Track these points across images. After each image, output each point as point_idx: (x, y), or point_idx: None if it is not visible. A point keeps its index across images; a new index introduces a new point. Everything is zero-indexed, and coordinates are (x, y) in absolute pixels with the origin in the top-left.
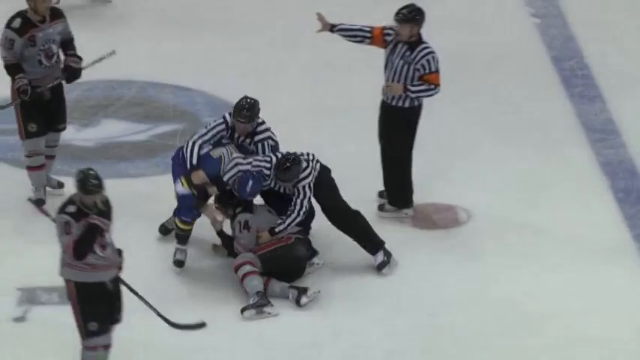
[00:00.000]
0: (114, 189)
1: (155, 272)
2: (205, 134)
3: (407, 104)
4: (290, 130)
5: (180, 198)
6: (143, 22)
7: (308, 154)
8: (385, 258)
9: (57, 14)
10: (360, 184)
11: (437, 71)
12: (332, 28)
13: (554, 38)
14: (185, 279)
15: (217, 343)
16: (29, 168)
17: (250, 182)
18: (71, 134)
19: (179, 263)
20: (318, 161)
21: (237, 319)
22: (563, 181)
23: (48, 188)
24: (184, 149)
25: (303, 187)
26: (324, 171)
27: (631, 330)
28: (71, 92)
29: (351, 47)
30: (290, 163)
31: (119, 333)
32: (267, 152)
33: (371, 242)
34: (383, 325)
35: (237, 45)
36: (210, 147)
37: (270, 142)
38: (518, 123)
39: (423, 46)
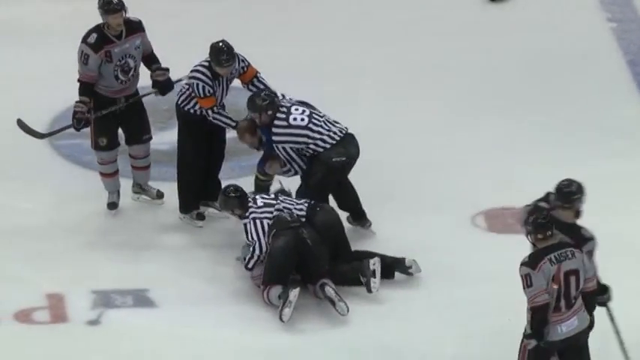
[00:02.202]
0: None
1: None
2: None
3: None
4: None
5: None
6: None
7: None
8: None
9: (134, 28)
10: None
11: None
12: None
13: (630, 42)
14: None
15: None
16: (101, 174)
17: None
18: None
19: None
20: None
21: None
22: None
23: (146, 198)
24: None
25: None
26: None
27: None
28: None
29: None
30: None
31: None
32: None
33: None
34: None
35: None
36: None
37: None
38: (595, 127)
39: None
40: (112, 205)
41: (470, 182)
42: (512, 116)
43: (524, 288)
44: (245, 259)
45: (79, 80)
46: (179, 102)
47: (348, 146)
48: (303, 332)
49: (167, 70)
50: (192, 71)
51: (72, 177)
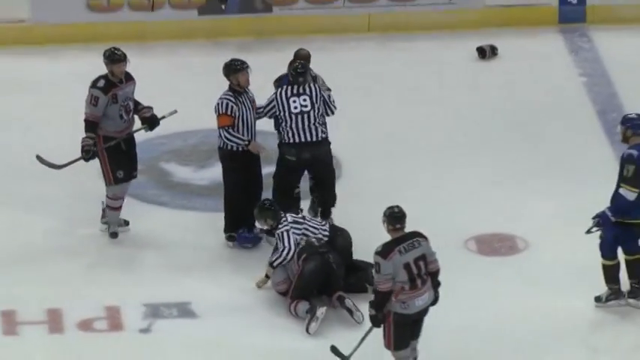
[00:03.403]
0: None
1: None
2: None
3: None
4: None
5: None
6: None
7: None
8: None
9: (129, 77)
10: None
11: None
12: None
13: (599, 94)
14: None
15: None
16: (110, 208)
17: None
18: (189, 174)
19: None
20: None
21: (302, 333)
22: None
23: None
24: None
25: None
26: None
27: None
28: (189, 139)
29: None
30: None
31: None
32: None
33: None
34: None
35: None
36: None
37: None
38: (570, 166)
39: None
40: (114, 235)
41: (463, 211)
42: (500, 156)
43: (375, 273)
44: (273, 259)
45: (85, 120)
46: (220, 145)
47: (304, 151)
48: (325, 337)
49: (151, 107)
50: (219, 98)
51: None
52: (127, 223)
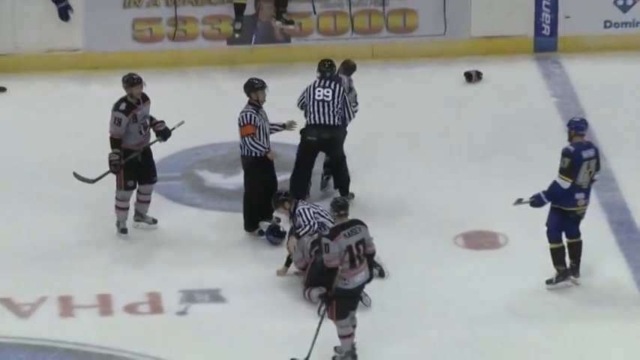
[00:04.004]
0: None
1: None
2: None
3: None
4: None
5: None
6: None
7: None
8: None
9: (145, 97)
10: None
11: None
12: None
13: (568, 112)
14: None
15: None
16: (118, 208)
17: None
18: (219, 180)
19: None
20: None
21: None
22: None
23: (145, 224)
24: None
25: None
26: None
27: None
28: (219, 150)
29: None
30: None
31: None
32: None
33: None
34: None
35: None
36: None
37: None
38: (544, 174)
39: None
40: (124, 231)
41: (453, 211)
42: (484, 164)
43: (324, 253)
44: (298, 231)
45: (110, 137)
46: (243, 153)
47: (323, 132)
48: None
49: (163, 121)
50: (240, 112)
51: (156, 208)
52: (155, 221)
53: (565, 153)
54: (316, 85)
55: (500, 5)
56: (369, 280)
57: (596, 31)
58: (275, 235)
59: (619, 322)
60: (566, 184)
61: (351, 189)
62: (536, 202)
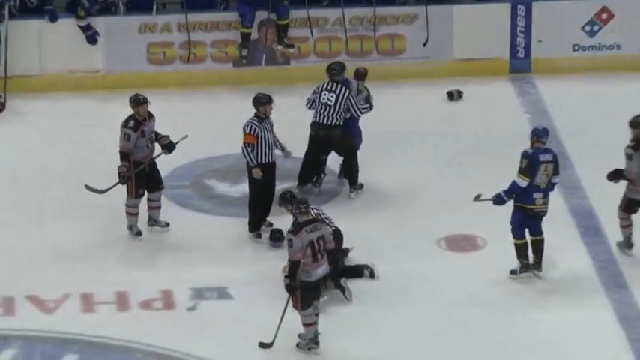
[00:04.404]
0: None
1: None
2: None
3: None
4: None
5: None
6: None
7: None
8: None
9: (150, 115)
10: None
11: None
12: None
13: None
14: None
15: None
16: (129, 214)
17: None
18: (226, 188)
19: None
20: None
21: None
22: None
23: (158, 227)
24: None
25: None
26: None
27: None
28: (226, 161)
29: None
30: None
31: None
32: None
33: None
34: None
35: None
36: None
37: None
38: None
39: None
40: (139, 233)
41: (437, 216)
42: (465, 174)
43: (288, 247)
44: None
45: (120, 151)
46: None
47: (320, 130)
48: (328, 313)
49: (167, 136)
50: (247, 122)
51: (168, 214)
52: (167, 224)
53: (523, 155)
54: (324, 87)
55: (479, 31)
56: (330, 274)
57: (565, 54)
58: (276, 239)
59: (576, 311)
60: (523, 182)
61: (340, 195)
62: (497, 200)
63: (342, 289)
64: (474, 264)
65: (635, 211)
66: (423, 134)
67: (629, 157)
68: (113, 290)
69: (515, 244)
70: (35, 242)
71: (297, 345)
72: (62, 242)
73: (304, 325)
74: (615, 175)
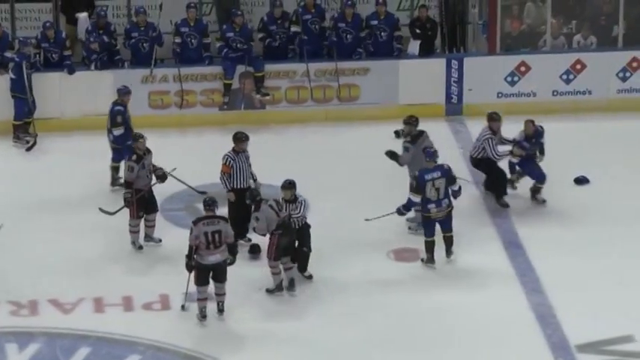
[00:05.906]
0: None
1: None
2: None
3: None
4: None
5: None
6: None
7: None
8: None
9: (148, 150)
10: None
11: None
12: None
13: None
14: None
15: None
16: (132, 232)
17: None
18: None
19: None
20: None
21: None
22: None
23: (151, 243)
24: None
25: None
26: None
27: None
28: (213, 188)
29: None
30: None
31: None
32: None
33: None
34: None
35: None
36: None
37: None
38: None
39: None
40: (141, 248)
41: (384, 232)
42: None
43: (190, 234)
44: (292, 214)
45: (125, 181)
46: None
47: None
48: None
49: (162, 168)
50: (225, 154)
51: (167, 233)
52: (160, 240)
53: (418, 175)
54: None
55: (420, 81)
56: (231, 263)
57: (491, 100)
58: (254, 253)
59: (487, 293)
60: (416, 198)
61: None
62: (397, 213)
63: (309, 277)
64: (418, 273)
65: None
66: (374, 167)
67: (406, 149)
68: (120, 294)
69: (426, 242)
70: (53, 255)
71: (182, 307)
72: (78, 255)
73: (197, 300)
74: (393, 156)
